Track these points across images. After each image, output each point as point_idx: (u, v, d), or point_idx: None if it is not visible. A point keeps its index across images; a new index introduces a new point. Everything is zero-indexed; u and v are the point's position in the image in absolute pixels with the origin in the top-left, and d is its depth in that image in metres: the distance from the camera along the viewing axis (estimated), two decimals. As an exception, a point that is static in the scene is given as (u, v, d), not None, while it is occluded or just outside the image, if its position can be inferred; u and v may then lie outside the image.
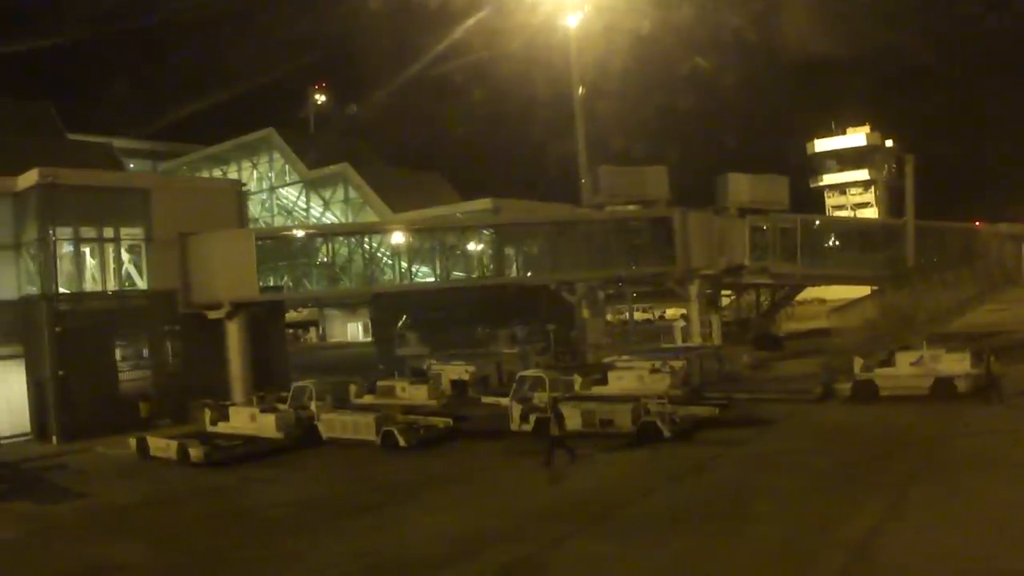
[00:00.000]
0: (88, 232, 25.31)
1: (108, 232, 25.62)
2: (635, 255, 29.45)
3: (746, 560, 11.40)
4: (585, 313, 34.17)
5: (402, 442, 20.11)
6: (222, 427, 22.29)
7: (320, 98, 62.36)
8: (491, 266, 30.03)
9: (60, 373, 24.04)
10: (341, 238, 27.79)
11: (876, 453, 17.02)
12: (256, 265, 25.24)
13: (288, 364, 29.37)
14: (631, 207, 30.94)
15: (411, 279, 27.13)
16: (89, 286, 25.63)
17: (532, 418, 20.77)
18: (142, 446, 21.43)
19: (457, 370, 28.14)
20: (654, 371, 23.79)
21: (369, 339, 64.57)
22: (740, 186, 29.55)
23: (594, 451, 18.52)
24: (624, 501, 14.78)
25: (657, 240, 28.92)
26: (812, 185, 73.85)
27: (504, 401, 22.41)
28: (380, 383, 26.20)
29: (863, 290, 58.55)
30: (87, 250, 25.77)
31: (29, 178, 24.52)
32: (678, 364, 24.47)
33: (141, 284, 26.48)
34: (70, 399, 24.22)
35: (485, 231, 28.88)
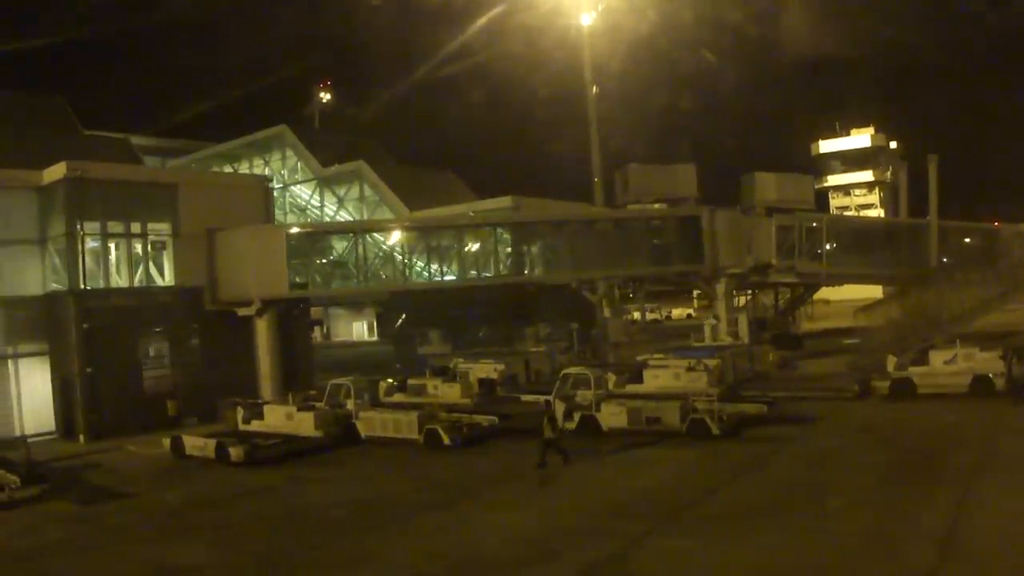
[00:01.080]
0: (115, 227, 24.81)
1: (135, 227, 25.14)
2: (662, 253, 29.40)
3: (836, 553, 11.36)
4: (606, 312, 34.10)
5: (446, 440, 19.90)
6: (255, 426, 21.92)
7: (325, 96, 61.83)
8: (514, 264, 29.89)
9: (88, 370, 23.55)
10: (371, 235, 27.40)
11: (930, 449, 17.11)
12: (286, 262, 24.84)
13: (312, 362, 28.98)
14: (656, 205, 30.93)
15: (442, 276, 26.88)
16: (115, 282, 25.09)
17: (576, 416, 20.67)
18: (177, 445, 21.02)
19: (485, 368, 27.93)
20: (690, 369, 23.77)
21: (374, 338, 64.12)
22: (767, 185, 29.64)
23: (643, 449, 18.49)
24: (692, 498, 14.69)
25: (685, 239, 28.90)
26: (817, 186, 74.21)
27: (545, 399, 22.25)
28: (411, 381, 25.95)
29: (869, 290, 59.20)
30: (112, 245, 25.23)
31: (56, 172, 24.00)
32: (713, 363, 24.48)
33: (167, 280, 26.00)
34: (97, 397, 23.74)
35: (515, 229, 28.67)
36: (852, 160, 74.88)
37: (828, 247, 29.01)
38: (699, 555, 11.71)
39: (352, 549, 12.98)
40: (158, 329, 25.50)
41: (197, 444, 20.49)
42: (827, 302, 56.04)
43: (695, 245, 28.62)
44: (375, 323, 65.67)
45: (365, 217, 40.02)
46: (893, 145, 78.22)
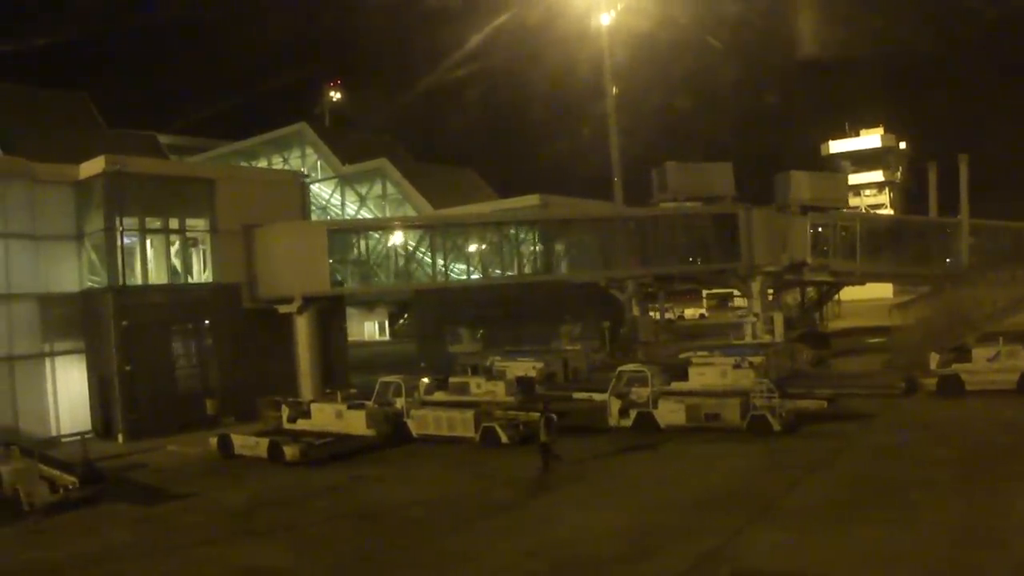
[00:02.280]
0: (152, 223, 24.38)
1: (173, 223, 24.71)
2: (699, 251, 29.38)
3: (937, 544, 11.34)
4: (635, 310, 34.01)
5: (505, 439, 19.68)
6: (302, 424, 21.56)
7: (335, 96, 61.42)
8: (548, 262, 29.75)
9: (127, 368, 23.10)
10: (407, 231, 27.09)
11: (996, 444, 17.06)
12: (328, 258, 24.52)
13: (347, 360, 28.63)
14: (688, 203, 30.90)
15: (484, 274, 26.65)
16: (153, 279, 24.65)
17: (632, 413, 20.53)
18: (225, 444, 20.64)
19: (523, 367, 27.70)
20: (737, 367, 23.67)
21: (385, 337, 63.73)
22: (802, 184, 29.71)
23: (705, 445, 18.40)
24: (773, 493, 14.56)
25: (721, 237, 28.89)
26: None
27: (599, 396, 22.13)
28: (452, 380, 25.63)
29: (880, 289, 59.47)
30: (149, 241, 24.79)
31: (94, 166, 23.54)
32: (758, 360, 24.41)
33: (203, 277, 25.59)
34: (135, 396, 23.29)
35: (552, 227, 28.53)
36: (862, 160, 75.59)
37: (861, 245, 29.08)
38: (806, 547, 11.62)
39: (444, 549, 12.74)
40: (195, 327, 25.07)
41: (247, 443, 20.13)
42: (838, 302, 56.24)
43: (732, 243, 28.61)
44: (386, 323, 65.53)
45: (387, 215, 39.68)
46: (903, 145, 79.03)
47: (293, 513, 15.48)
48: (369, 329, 63.67)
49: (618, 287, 33.98)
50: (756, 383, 19.73)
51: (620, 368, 21.59)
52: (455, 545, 12.87)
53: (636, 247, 29.66)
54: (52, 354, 23.69)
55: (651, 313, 45.19)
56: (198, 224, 25.19)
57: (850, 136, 79.78)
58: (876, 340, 35.72)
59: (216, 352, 25.15)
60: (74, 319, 24.04)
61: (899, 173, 77.35)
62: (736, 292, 68.01)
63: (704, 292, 66.31)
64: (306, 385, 24.95)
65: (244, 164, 42.91)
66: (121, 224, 23.32)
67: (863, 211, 72.90)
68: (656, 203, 29.43)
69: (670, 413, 20.08)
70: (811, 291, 38.25)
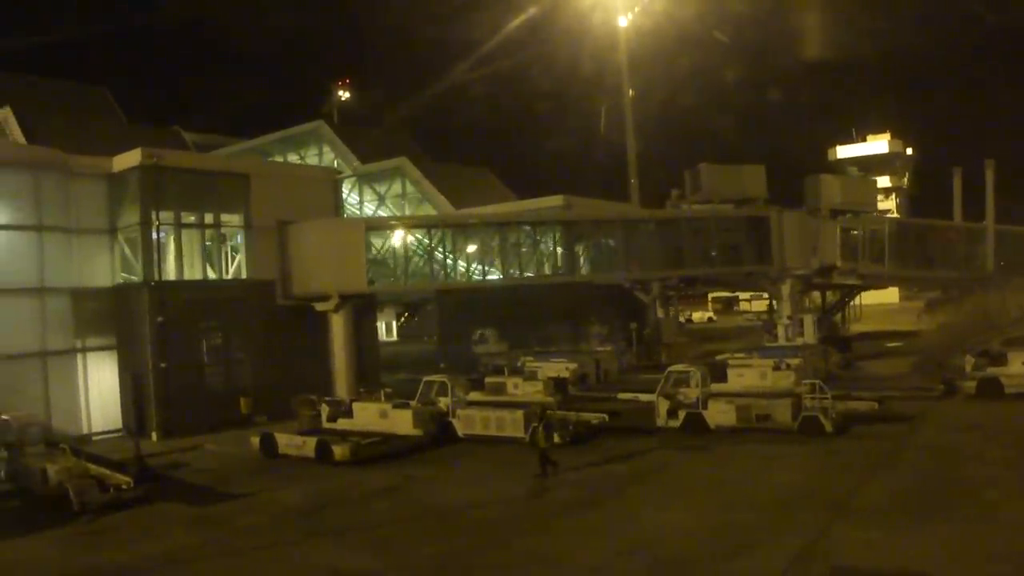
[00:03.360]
0: (187, 217, 23.94)
1: (208, 218, 24.29)
2: (729, 253, 29.40)
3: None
4: (659, 312, 34.00)
5: (557, 439, 19.46)
6: (343, 424, 21.24)
7: (344, 95, 60.97)
8: (570, 263, 29.66)
9: (162, 365, 22.65)
10: (440, 230, 26.81)
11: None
12: (366, 257, 24.21)
13: (379, 359, 28.28)
14: (714, 205, 30.94)
15: (521, 273, 26.46)
16: (186, 274, 24.21)
17: (681, 414, 20.45)
18: (268, 444, 20.28)
19: (556, 367, 27.56)
20: (777, 368, 23.71)
21: (394, 338, 63.21)
22: (832, 188, 29.89)
23: (758, 445, 18.34)
24: (843, 492, 14.56)
25: (752, 239, 28.96)
26: None
27: (644, 397, 22.04)
28: (489, 379, 25.47)
29: (887, 295, 59.89)
30: (182, 236, 24.33)
31: (128, 159, 23.10)
32: (795, 362, 24.47)
33: (236, 274, 25.18)
34: (169, 393, 22.84)
35: (581, 228, 28.44)
36: (869, 166, 76.23)
37: (889, 249, 29.28)
38: (897, 544, 11.58)
39: (529, 549, 12.54)
40: (228, 324, 24.64)
41: (293, 443, 19.79)
42: (859, 305, 56.50)
43: (763, 246, 28.68)
44: (394, 323, 65.01)
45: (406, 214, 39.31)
46: (909, 151, 80.00)
47: (356, 513, 15.21)
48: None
49: (641, 289, 33.93)
50: (806, 385, 19.71)
51: (669, 368, 21.50)
52: (539, 546, 12.66)
53: (668, 248, 29.59)
54: (84, 350, 23.19)
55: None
56: (232, 219, 24.79)
57: (857, 141, 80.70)
58: (893, 344, 36.02)
59: (248, 350, 24.72)
60: (106, 314, 23.55)
61: (906, 178, 78.18)
62: (742, 296, 68.81)
63: (710, 295, 66.60)
64: (341, 384, 24.62)
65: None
66: (157, 218, 22.89)
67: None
68: (688, 204, 29.42)
69: (720, 414, 20.04)
70: (830, 295, 38.46)
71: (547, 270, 28.87)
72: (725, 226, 29.13)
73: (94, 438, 22.84)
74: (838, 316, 37.71)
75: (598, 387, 27.42)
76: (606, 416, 20.57)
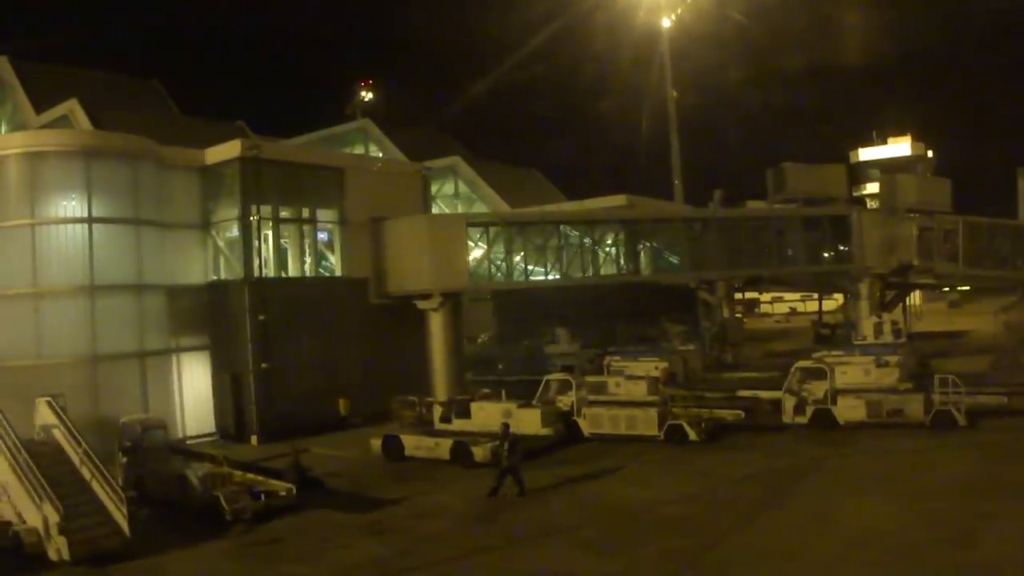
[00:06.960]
0: (284, 212, 23.04)
1: (305, 212, 23.41)
2: (810, 252, 29.44)
3: None
4: (725, 312, 33.90)
5: (693, 436, 19.15)
6: (459, 424, 20.53)
7: (367, 95, 59.83)
8: (645, 262, 29.38)
9: (264, 366, 21.70)
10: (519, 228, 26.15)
11: None
12: (468, 254, 23.55)
13: (465, 359, 27.50)
14: (783, 204, 30.99)
15: (619, 271, 26.05)
16: (281, 271, 23.29)
17: (809, 410, 20.25)
18: (392, 446, 19.53)
19: (645, 367, 27.08)
20: (880, 365, 23.64)
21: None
22: (908, 187, 30.13)
23: (896, 439, 18.25)
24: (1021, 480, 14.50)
25: (832, 238, 29.03)
26: (855, 193, 76.28)
27: (764, 394, 21.76)
28: (588, 379, 24.87)
29: (915, 297, 60.62)
30: (278, 232, 23.41)
31: (224, 151, 22.17)
32: (894, 359, 24.44)
33: (332, 271, 24.32)
34: (270, 395, 21.89)
35: (659, 227, 28.23)
36: (890, 169, 77.16)
37: (963, 248, 29.59)
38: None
39: (748, 543, 12.23)
40: (324, 323, 23.73)
41: (427, 444, 19.08)
42: (919, 305, 57.09)
43: (843, 244, 28.75)
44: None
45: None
46: (930, 154, 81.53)
47: (537, 515, 14.53)
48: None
49: (708, 289, 33.77)
50: (938, 379, 19.69)
51: (796, 364, 21.27)
52: (757, 541, 12.37)
53: (738, 248, 29.48)
54: (178, 350, 22.13)
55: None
56: (328, 215, 23.94)
57: (877, 144, 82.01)
58: (944, 342, 36.32)
59: (345, 350, 23.84)
60: (198, 313, 22.55)
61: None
62: (762, 298, 69.19)
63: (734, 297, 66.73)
64: (440, 384, 23.86)
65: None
66: (258, 212, 21.96)
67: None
68: (771, 203, 29.40)
69: (850, 409, 19.93)
70: (888, 294, 38.66)
71: (614, 269, 28.53)
72: (805, 225, 29.12)
73: (187, 442, 21.77)
74: (902, 315, 37.96)
75: (688, 385, 27.04)
76: (742, 413, 20.24)
